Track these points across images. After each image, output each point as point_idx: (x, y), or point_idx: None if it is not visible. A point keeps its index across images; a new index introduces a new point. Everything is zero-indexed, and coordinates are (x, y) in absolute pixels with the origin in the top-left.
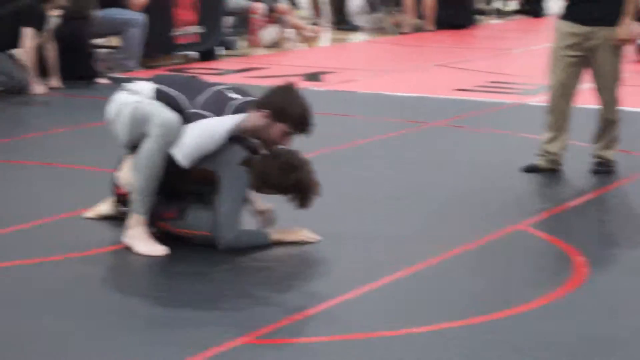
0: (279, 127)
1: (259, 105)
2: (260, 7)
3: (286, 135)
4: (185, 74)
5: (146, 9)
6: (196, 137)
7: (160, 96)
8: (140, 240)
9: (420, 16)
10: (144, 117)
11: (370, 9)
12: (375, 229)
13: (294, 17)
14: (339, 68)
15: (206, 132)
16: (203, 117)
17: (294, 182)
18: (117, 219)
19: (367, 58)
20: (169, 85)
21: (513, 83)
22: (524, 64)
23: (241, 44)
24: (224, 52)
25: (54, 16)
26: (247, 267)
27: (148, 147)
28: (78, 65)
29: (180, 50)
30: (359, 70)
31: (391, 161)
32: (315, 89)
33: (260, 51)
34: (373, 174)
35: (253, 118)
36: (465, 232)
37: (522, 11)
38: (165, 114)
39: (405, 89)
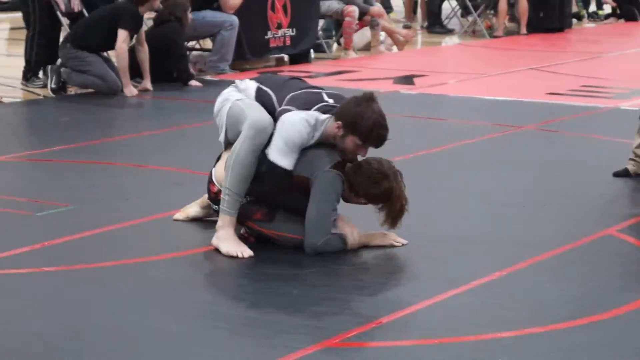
0: (350, 139)
1: (335, 114)
2: (354, 10)
3: (358, 147)
4: (290, 75)
5: (239, 12)
6: (286, 134)
7: (260, 95)
8: (227, 242)
9: (514, 19)
10: (239, 116)
11: (464, 13)
12: (464, 232)
13: (387, 21)
14: (431, 71)
15: (292, 127)
16: (287, 111)
17: (384, 191)
18: (205, 221)
19: (459, 61)
20: (270, 85)
21: (606, 87)
22: (618, 68)
23: (333, 47)
24: (315, 55)
25: (147, 19)
26: (332, 271)
27: (239, 147)
28: (170, 68)
29: (272, 53)
30: (451, 74)
31: (482, 165)
32: (407, 92)
33: (352, 54)
34: (464, 178)
35: (330, 126)
36: (554, 236)
37: (617, 15)
38: (257, 115)
39: (497, 92)
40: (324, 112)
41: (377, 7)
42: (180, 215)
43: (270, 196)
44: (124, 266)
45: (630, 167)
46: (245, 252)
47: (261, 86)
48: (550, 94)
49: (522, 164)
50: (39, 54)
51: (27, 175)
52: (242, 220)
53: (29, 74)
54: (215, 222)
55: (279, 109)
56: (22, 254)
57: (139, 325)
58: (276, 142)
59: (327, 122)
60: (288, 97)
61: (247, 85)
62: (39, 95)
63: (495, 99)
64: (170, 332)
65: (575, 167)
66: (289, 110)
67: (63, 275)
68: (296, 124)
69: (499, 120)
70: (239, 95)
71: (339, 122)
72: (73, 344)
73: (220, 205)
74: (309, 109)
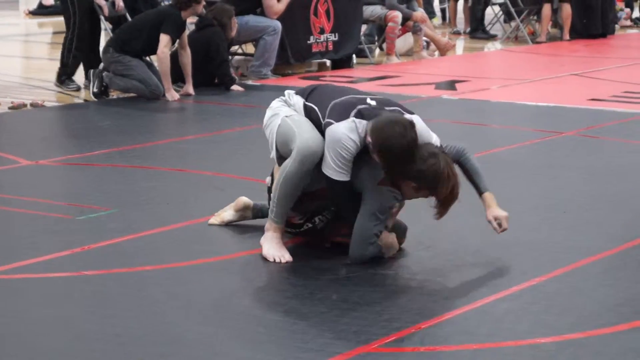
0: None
1: (369, 130)
2: (397, 15)
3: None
4: (340, 85)
5: (282, 16)
6: (332, 151)
7: (308, 111)
8: (271, 244)
9: (557, 25)
10: (289, 135)
11: (507, 18)
12: (506, 237)
13: (429, 26)
14: (473, 77)
15: (334, 142)
16: (330, 124)
17: (432, 170)
18: (242, 225)
19: (501, 67)
20: (315, 100)
21: None
22: None
23: (375, 52)
24: (357, 60)
25: (190, 23)
26: (371, 276)
27: (288, 169)
28: (212, 73)
29: (315, 58)
30: (493, 79)
31: (523, 170)
32: (449, 97)
33: (394, 59)
34: (505, 183)
35: (365, 135)
36: (595, 242)
37: None
38: (306, 139)
39: (540, 98)
40: (363, 116)
41: (419, 13)
42: (215, 219)
43: (345, 208)
44: (164, 270)
45: None
46: (285, 257)
47: (307, 103)
48: (592, 99)
49: (563, 170)
50: (76, 58)
51: (68, 179)
52: (329, 237)
53: (63, 77)
54: (251, 226)
55: (323, 123)
56: (63, 258)
57: (179, 329)
58: (327, 159)
59: (366, 128)
60: (330, 106)
61: (296, 101)
62: (80, 99)
63: (537, 105)
64: (210, 336)
65: (617, 173)
66: (331, 124)
67: (103, 279)
68: (340, 139)
69: (540, 126)
70: (288, 111)
71: (369, 139)
72: (114, 348)
73: (269, 215)
74: (347, 115)
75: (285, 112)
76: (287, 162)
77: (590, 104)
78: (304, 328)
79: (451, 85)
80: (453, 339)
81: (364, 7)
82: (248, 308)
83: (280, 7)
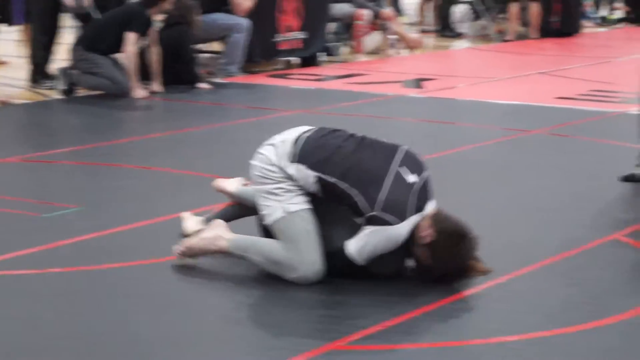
0: (425, 256)
1: (431, 226)
2: (366, 13)
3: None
4: (338, 131)
5: (250, 14)
6: (380, 247)
7: (326, 188)
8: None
9: (525, 24)
10: (290, 239)
11: (474, 16)
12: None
13: (398, 24)
14: (440, 75)
15: (390, 242)
16: (386, 222)
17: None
18: None
19: (469, 65)
20: (354, 174)
21: (616, 92)
22: (628, 73)
23: (343, 50)
24: (325, 58)
25: (157, 21)
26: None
27: (274, 266)
28: (180, 70)
29: (282, 56)
30: (460, 78)
31: (490, 169)
32: (416, 95)
33: (362, 57)
34: (471, 182)
35: (419, 228)
36: (561, 241)
37: (628, 19)
38: (307, 269)
39: (507, 96)
40: (419, 209)
41: (388, 11)
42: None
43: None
44: (131, 268)
45: (638, 171)
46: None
47: (324, 177)
48: (560, 98)
49: (530, 168)
50: (42, 56)
51: (35, 177)
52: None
53: (37, 76)
54: None
55: (374, 214)
56: (30, 255)
57: (148, 326)
58: (369, 249)
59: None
60: (384, 198)
61: (305, 175)
62: (47, 97)
63: (504, 103)
64: (175, 335)
65: (583, 172)
66: (388, 223)
67: (70, 276)
68: (397, 242)
69: (508, 125)
70: (290, 198)
71: (428, 243)
72: (81, 345)
73: (233, 245)
74: (403, 209)
75: (288, 201)
76: (286, 262)
77: (558, 102)
78: (270, 326)
79: (418, 83)
80: (419, 337)
81: (332, 5)
82: (214, 306)
83: (248, 4)
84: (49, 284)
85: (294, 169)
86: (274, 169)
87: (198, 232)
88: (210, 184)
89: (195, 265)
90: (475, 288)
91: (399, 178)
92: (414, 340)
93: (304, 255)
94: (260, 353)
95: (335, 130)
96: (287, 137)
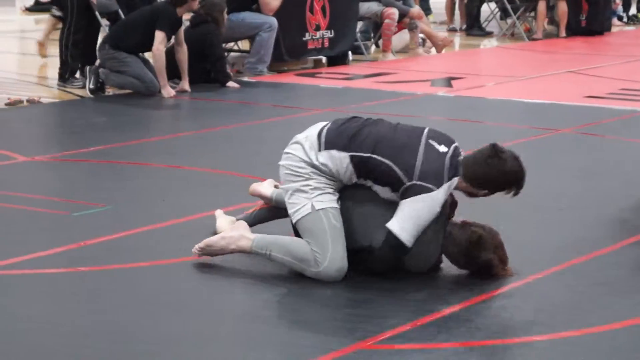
0: (482, 193)
1: (464, 177)
2: (394, 12)
3: (485, 194)
4: (356, 117)
5: (277, 13)
6: (423, 216)
7: (362, 165)
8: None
9: (553, 22)
10: (316, 235)
11: (503, 15)
12: (502, 234)
13: (425, 23)
14: (469, 74)
15: (431, 209)
16: (427, 189)
17: (481, 261)
18: None
19: (497, 64)
20: (387, 148)
21: None
22: None
23: (371, 49)
24: (352, 57)
25: (185, 20)
26: (368, 274)
27: (298, 264)
28: (207, 69)
29: (310, 55)
30: (488, 76)
31: None
32: (445, 94)
33: (390, 56)
34: None
35: (459, 185)
36: (591, 240)
37: None
38: (335, 258)
39: (535, 95)
40: (453, 173)
41: (416, 9)
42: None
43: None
44: (159, 267)
45: None
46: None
47: (357, 155)
48: (589, 97)
49: (559, 167)
50: (74, 54)
51: (64, 176)
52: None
53: (66, 75)
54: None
55: (414, 183)
56: (59, 254)
57: (171, 327)
58: (409, 222)
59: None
60: (419, 167)
61: (338, 159)
62: (76, 96)
63: (533, 102)
64: (201, 334)
65: (612, 171)
66: (430, 189)
67: (99, 275)
68: (434, 207)
69: (536, 123)
70: (320, 196)
71: (468, 184)
72: (106, 345)
73: (256, 245)
74: (440, 174)
75: (316, 198)
76: (309, 258)
77: (587, 101)
78: (298, 325)
79: (447, 82)
80: (447, 336)
81: (360, 4)
82: (241, 305)
83: (276, 3)
84: (77, 283)
85: (325, 157)
86: (302, 165)
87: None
88: (237, 183)
89: (220, 264)
90: (502, 288)
91: (430, 148)
92: (442, 339)
93: (329, 251)
94: (288, 352)
95: (353, 117)
96: (310, 133)
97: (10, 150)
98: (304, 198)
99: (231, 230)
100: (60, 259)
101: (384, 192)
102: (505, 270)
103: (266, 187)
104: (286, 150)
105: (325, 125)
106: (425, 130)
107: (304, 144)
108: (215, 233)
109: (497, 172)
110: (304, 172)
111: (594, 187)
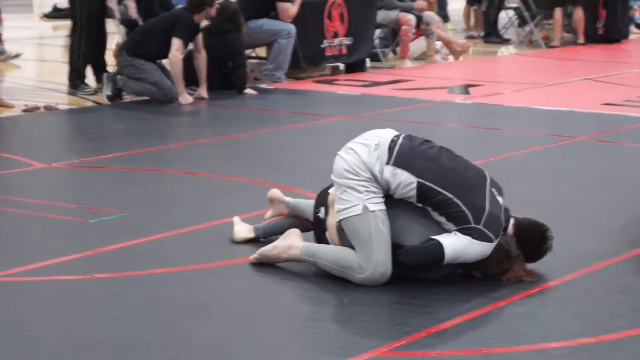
0: (514, 254)
1: (515, 229)
2: (411, 18)
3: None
4: (429, 142)
5: (295, 20)
6: (471, 256)
7: (426, 195)
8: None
9: (571, 30)
10: (361, 238)
11: (521, 23)
12: None
13: (443, 30)
14: (486, 81)
15: (479, 256)
16: (487, 238)
17: (501, 271)
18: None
19: (515, 71)
20: (435, 174)
21: None
22: None
23: (389, 55)
24: (370, 64)
25: (204, 27)
26: (392, 278)
27: (342, 270)
28: (226, 76)
29: (328, 62)
30: (506, 84)
31: (536, 175)
32: (462, 101)
33: (409, 63)
34: (518, 187)
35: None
36: (608, 247)
37: None
38: (380, 262)
39: (553, 102)
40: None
41: (433, 17)
42: (236, 238)
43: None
44: (177, 273)
45: None
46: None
47: (427, 184)
48: (606, 104)
49: (576, 175)
50: (85, 61)
51: (81, 182)
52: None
53: (76, 81)
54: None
55: (476, 227)
56: (76, 261)
57: (190, 333)
58: (462, 253)
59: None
60: (487, 214)
61: (401, 180)
62: (94, 102)
63: (550, 109)
64: (221, 339)
65: (629, 178)
66: (491, 239)
67: (115, 282)
68: (482, 254)
69: (553, 131)
70: (374, 199)
71: (512, 234)
72: (124, 351)
73: (307, 255)
74: (499, 232)
75: (369, 200)
76: (354, 265)
77: (604, 108)
78: (315, 331)
79: (464, 89)
80: (463, 343)
81: (378, 11)
82: (259, 311)
83: (295, 10)
84: (95, 290)
85: (390, 172)
86: (364, 168)
87: (272, 241)
88: (255, 190)
89: (238, 270)
90: (520, 294)
91: (494, 198)
92: (457, 347)
93: (374, 255)
94: (302, 358)
95: (426, 141)
96: (381, 141)
97: (27, 157)
98: (357, 197)
99: (283, 238)
100: (77, 266)
101: (437, 216)
102: (526, 273)
103: (283, 195)
104: (350, 146)
105: (397, 138)
106: (488, 176)
107: (372, 149)
108: (232, 240)
109: (540, 253)
110: (363, 174)
111: (611, 194)
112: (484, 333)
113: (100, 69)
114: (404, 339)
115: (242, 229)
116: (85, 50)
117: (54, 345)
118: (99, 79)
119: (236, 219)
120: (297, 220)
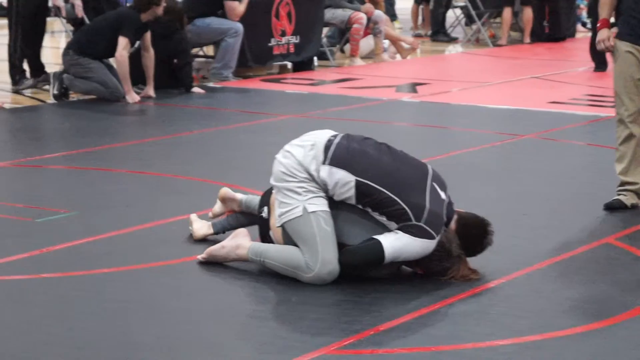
0: (455, 252)
1: (457, 223)
2: (363, 17)
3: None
4: (368, 139)
5: (243, 19)
6: (412, 254)
7: (365, 193)
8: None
9: (518, 28)
10: (305, 238)
11: (468, 21)
12: None
13: (391, 28)
14: (434, 79)
15: (421, 253)
16: (428, 235)
17: (442, 270)
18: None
19: (462, 70)
20: (374, 172)
21: (608, 96)
22: None
23: (336, 54)
24: (318, 62)
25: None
26: (340, 277)
27: (302, 273)
28: (173, 75)
29: (275, 60)
30: (454, 82)
31: (483, 173)
32: (410, 100)
33: (359, 61)
34: (465, 185)
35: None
36: (553, 245)
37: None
38: (327, 261)
39: (501, 101)
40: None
41: (381, 15)
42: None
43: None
44: (124, 273)
45: (623, 198)
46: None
47: (365, 182)
48: (553, 102)
49: (523, 173)
50: (22, 57)
51: (27, 182)
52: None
53: (17, 77)
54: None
55: (417, 224)
56: (22, 260)
57: (138, 333)
58: (401, 250)
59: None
60: (427, 211)
61: (340, 177)
62: (40, 101)
63: (497, 108)
64: (168, 340)
65: (576, 176)
66: (432, 236)
67: (62, 282)
68: (424, 251)
69: (500, 129)
70: (313, 199)
71: (454, 229)
72: (72, 352)
73: (252, 254)
74: (440, 228)
75: (309, 200)
76: (301, 264)
77: (551, 106)
78: (263, 330)
79: (412, 88)
80: (412, 341)
81: (326, 10)
82: (207, 311)
83: (242, 9)
84: (42, 289)
85: (326, 172)
86: (300, 169)
87: (212, 237)
88: (204, 189)
89: (187, 269)
90: (468, 292)
91: (435, 193)
92: (405, 344)
93: (320, 255)
94: (249, 357)
95: (365, 138)
96: (317, 141)
97: None
98: (296, 200)
99: (231, 238)
100: (24, 266)
101: (377, 216)
102: (472, 271)
103: (234, 193)
104: (287, 148)
105: (334, 138)
106: (430, 170)
107: (308, 150)
108: (192, 238)
109: (481, 248)
110: (300, 175)
111: (558, 192)
112: (433, 331)
113: (35, 65)
114: (352, 337)
115: (201, 226)
116: (22, 44)
117: (1, 346)
118: (34, 74)
119: (193, 217)
120: (248, 216)
